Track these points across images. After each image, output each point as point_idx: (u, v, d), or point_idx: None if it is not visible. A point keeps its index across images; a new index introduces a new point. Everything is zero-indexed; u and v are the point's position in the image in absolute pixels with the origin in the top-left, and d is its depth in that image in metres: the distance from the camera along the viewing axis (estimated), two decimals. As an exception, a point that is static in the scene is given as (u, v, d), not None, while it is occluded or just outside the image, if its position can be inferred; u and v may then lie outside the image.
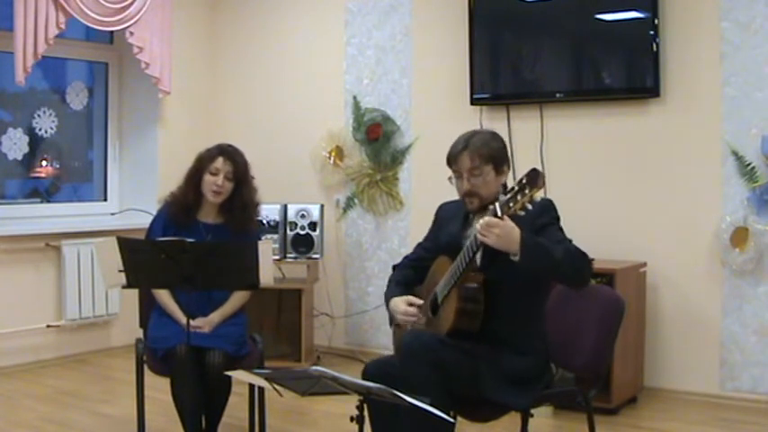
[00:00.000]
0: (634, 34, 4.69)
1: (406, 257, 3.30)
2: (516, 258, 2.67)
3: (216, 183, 3.65)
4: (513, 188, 2.60)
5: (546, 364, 2.98)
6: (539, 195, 2.58)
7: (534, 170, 2.55)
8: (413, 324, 3.01)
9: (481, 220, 2.67)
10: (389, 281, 3.22)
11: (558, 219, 2.93)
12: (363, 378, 2.91)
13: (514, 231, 2.65)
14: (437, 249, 3.09)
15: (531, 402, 2.94)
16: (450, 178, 2.99)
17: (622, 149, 4.81)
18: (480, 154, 2.90)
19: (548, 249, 2.71)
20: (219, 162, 3.67)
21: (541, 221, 2.84)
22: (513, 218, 2.64)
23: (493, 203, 2.66)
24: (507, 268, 2.72)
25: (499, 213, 2.63)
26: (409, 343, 2.84)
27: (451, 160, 2.96)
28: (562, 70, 5.03)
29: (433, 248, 3.14)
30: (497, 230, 2.63)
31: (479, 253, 2.77)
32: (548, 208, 2.90)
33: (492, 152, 2.92)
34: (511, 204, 2.59)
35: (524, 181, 2.55)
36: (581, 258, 2.80)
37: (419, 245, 3.27)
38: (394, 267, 3.30)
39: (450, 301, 2.87)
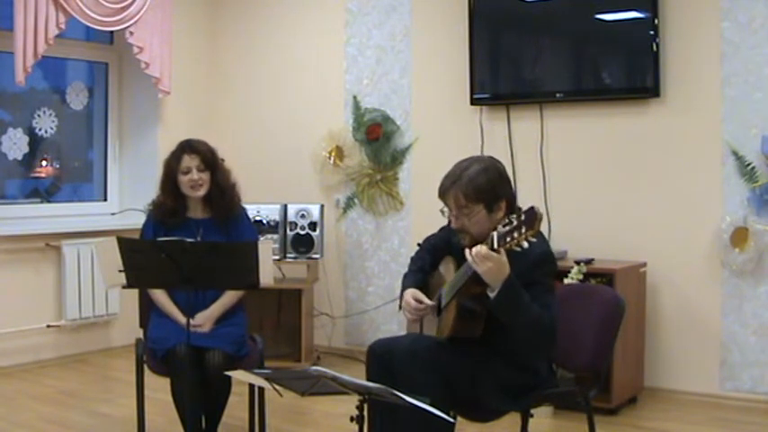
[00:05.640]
0: (634, 34, 4.69)
1: (428, 239, 3.24)
2: (492, 295, 2.65)
3: (191, 179, 3.67)
4: (510, 221, 2.54)
5: (548, 379, 2.97)
6: (533, 237, 2.51)
7: (531, 210, 2.49)
8: (417, 316, 3.01)
9: (475, 248, 2.62)
10: (412, 260, 3.20)
11: (552, 275, 2.86)
12: (369, 356, 2.92)
13: (504, 269, 2.61)
14: (450, 246, 3.06)
15: (529, 404, 2.95)
16: (442, 210, 2.91)
17: (622, 149, 4.81)
18: (467, 194, 2.77)
19: (523, 307, 2.66)
20: (186, 159, 3.68)
21: (534, 276, 2.75)
22: (510, 254, 2.60)
23: (488, 237, 2.61)
24: None
25: (495, 245, 2.58)
26: (408, 346, 2.84)
27: (441, 195, 2.86)
28: (562, 70, 5.03)
29: (448, 243, 3.09)
30: (490, 264, 2.59)
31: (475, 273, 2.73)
32: (546, 262, 2.82)
33: (482, 191, 2.77)
34: (507, 239, 2.54)
35: (522, 219, 2.50)
36: (545, 335, 2.74)
37: (441, 229, 3.20)
38: (419, 245, 3.26)
39: (451, 309, 2.85)
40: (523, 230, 2.49)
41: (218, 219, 3.73)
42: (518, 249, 2.55)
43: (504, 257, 2.60)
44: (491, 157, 2.98)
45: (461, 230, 2.85)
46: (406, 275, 3.15)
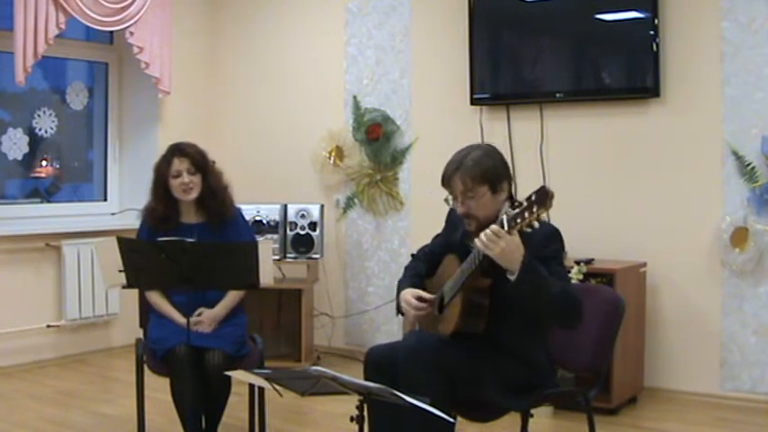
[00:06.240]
0: (634, 34, 4.69)
1: (422, 249, 3.27)
2: (512, 278, 2.63)
3: (182, 182, 3.63)
4: (521, 203, 2.54)
5: (548, 375, 2.97)
6: (545, 215, 2.53)
7: (543, 189, 2.50)
8: (418, 316, 3.01)
9: (487, 229, 2.61)
10: (405, 269, 3.22)
11: (562, 251, 2.89)
12: (366, 362, 2.92)
13: (519, 249, 2.60)
14: (448, 247, 3.08)
15: (530, 403, 2.95)
16: (446, 199, 2.93)
17: (622, 149, 4.81)
18: (473, 176, 2.81)
19: (546, 281, 2.66)
20: (176, 163, 3.65)
21: (545, 253, 2.76)
22: (519, 235, 2.59)
23: (494, 221, 2.62)
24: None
25: (506, 228, 2.57)
26: (411, 344, 2.84)
27: (444, 182, 2.89)
28: (562, 70, 5.03)
29: (445, 245, 3.11)
30: (503, 243, 2.58)
31: (482, 264, 2.73)
32: (554, 239, 2.84)
33: (485, 172, 2.82)
34: (518, 220, 2.54)
35: (533, 198, 2.50)
36: (574, 303, 2.74)
37: (436, 237, 3.24)
38: (412, 256, 3.28)
39: (455, 305, 2.86)
40: (535, 210, 2.50)
41: (213, 222, 3.69)
42: (529, 230, 2.55)
43: (516, 238, 2.59)
44: (488, 144, 3.04)
45: (468, 215, 2.86)
46: (400, 281, 3.16)
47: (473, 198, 2.83)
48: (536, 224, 2.54)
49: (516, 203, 2.58)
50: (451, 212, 3.17)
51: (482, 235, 2.62)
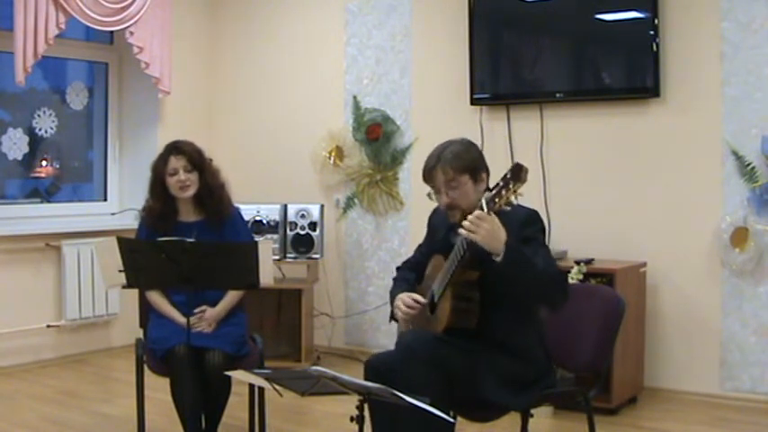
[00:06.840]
0: (634, 34, 4.69)
1: (406, 261, 3.32)
2: (498, 259, 2.66)
3: (179, 180, 3.63)
4: (497, 184, 2.59)
5: (546, 370, 2.98)
6: (521, 190, 2.56)
7: (517, 164, 2.55)
8: (412, 320, 3.02)
9: (470, 216, 2.65)
10: (394, 280, 3.24)
11: (543, 232, 2.91)
12: (366, 370, 2.92)
13: (501, 231, 2.65)
14: (433, 253, 3.10)
15: (530, 403, 2.95)
16: (429, 194, 2.97)
17: (622, 149, 4.81)
18: (453, 166, 2.87)
19: (530, 261, 2.70)
20: (172, 161, 3.65)
21: (526, 234, 2.81)
22: (499, 219, 2.64)
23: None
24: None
25: (485, 209, 2.61)
26: (409, 342, 2.85)
27: (426, 177, 2.93)
28: (562, 70, 5.03)
29: (429, 252, 3.14)
30: (486, 225, 2.62)
31: (467, 253, 2.75)
32: (534, 220, 2.89)
33: (465, 162, 2.89)
34: (496, 200, 2.58)
35: (508, 176, 2.55)
36: (559, 280, 2.79)
37: (418, 247, 3.28)
38: (397, 269, 3.31)
39: (445, 300, 2.88)
40: (511, 186, 2.54)
41: (212, 220, 3.69)
42: (508, 209, 2.59)
43: (497, 219, 2.64)
44: (464, 138, 3.07)
45: (451, 206, 2.90)
46: (392, 290, 3.17)
47: (456, 188, 2.88)
48: (514, 200, 2.58)
49: (492, 186, 2.61)
50: (432, 217, 3.22)
51: (464, 222, 2.66)
